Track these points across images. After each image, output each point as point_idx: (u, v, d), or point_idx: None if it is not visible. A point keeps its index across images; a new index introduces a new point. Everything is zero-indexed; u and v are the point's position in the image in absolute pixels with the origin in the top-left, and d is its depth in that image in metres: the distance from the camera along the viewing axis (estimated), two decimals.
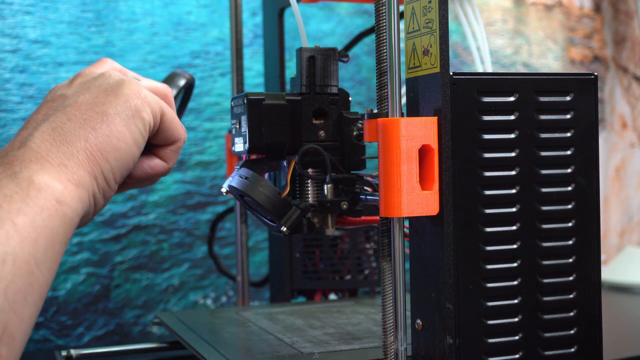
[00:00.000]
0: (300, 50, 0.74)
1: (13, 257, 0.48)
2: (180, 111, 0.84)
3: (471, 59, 1.33)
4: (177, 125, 0.67)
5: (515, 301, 0.64)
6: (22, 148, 0.56)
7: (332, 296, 1.08)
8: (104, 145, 0.58)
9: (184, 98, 0.83)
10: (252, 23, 1.30)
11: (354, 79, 1.39)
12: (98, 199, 0.59)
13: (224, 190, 0.75)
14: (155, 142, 0.66)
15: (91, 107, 0.60)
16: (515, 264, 0.64)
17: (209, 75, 1.27)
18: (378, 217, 0.65)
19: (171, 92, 0.70)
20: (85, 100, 0.61)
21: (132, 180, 0.67)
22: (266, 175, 0.75)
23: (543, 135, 0.65)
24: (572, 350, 0.65)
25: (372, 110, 0.65)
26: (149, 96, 0.63)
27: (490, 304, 0.63)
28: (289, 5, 1.01)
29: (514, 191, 0.64)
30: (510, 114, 0.64)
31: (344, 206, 0.72)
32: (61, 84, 0.64)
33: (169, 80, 0.79)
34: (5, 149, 0.57)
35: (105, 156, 0.58)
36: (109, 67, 0.68)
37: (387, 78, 0.63)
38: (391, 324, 0.63)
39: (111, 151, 0.59)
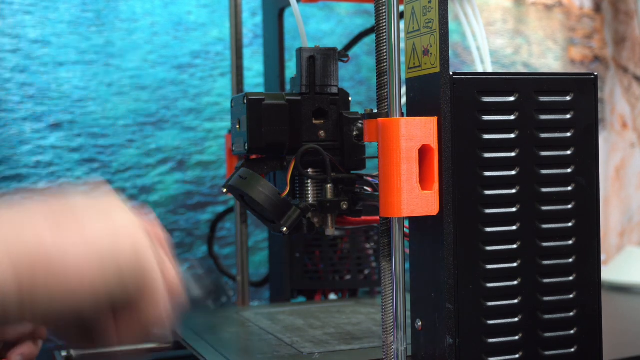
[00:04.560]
0: (300, 50, 0.74)
1: None
2: None
3: (471, 59, 1.32)
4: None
5: (515, 301, 0.64)
6: None
7: (332, 296, 1.08)
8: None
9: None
10: (252, 23, 1.30)
11: (354, 79, 1.39)
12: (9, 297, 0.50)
13: (224, 190, 0.75)
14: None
15: None
16: (515, 264, 0.64)
17: (209, 75, 1.27)
18: (378, 217, 0.65)
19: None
20: None
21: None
22: (266, 176, 0.75)
23: (543, 135, 0.64)
24: (572, 350, 0.65)
25: (372, 110, 0.65)
26: None
27: (490, 304, 0.63)
28: (289, 5, 1.01)
29: (514, 191, 0.64)
30: (510, 114, 0.64)
31: (344, 206, 0.72)
32: None
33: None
34: None
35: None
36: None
37: (387, 78, 0.63)
38: (391, 324, 0.63)
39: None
